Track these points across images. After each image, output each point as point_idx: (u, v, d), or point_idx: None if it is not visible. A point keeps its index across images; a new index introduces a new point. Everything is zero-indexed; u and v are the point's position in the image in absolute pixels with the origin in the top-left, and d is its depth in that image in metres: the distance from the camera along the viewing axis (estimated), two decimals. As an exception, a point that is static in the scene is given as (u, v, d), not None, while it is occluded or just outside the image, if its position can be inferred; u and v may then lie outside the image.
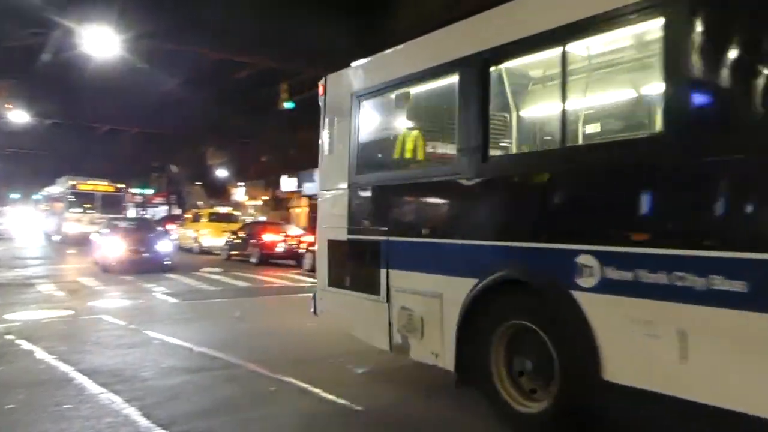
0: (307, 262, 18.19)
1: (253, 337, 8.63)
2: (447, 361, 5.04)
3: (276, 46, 18.19)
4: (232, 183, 43.56)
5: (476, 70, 4.83)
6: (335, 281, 6.54)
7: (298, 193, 35.52)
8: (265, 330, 9.29)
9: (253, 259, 21.26)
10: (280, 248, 20.83)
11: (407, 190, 5.80)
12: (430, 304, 5.21)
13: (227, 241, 23.69)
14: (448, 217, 5.36)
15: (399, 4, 17.18)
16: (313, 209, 34.84)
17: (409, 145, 5.90)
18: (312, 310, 6.97)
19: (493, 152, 5.00)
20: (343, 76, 6.65)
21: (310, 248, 18.05)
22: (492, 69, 4.85)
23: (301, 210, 35.92)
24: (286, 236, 21.23)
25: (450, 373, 5.03)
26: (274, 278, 16.94)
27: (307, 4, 16.52)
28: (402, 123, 6.05)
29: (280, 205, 38.34)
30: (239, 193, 43.24)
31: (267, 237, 21.24)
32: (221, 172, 43.58)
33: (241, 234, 22.89)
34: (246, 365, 6.84)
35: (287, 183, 36.24)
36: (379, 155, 6.59)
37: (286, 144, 33.68)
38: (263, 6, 16.64)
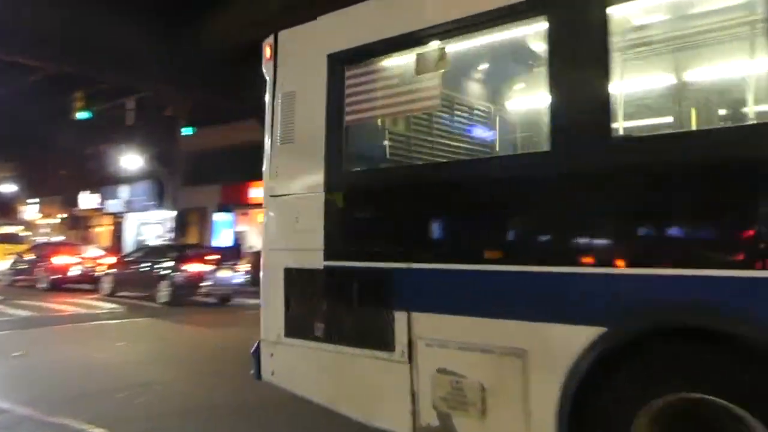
0: (105, 287, 16.64)
1: (31, 375, 7.50)
2: None
3: (71, 49, 16.47)
4: (21, 199, 38.91)
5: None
6: (300, 330, 4.28)
7: (99, 211, 32.58)
8: (48, 365, 8.15)
9: (42, 285, 18.91)
10: (74, 271, 18.79)
11: (447, 190, 3.72)
12: (501, 367, 3.30)
13: (11, 265, 20.95)
14: (538, 231, 3.35)
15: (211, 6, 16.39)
16: (118, 228, 32.38)
17: (444, 126, 4.49)
18: (254, 371, 4.59)
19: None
20: (311, 32, 4.54)
21: (110, 270, 16.51)
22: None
23: (103, 229, 33.00)
24: (83, 258, 19.27)
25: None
26: (65, 305, 15.19)
27: (106, 2, 15.13)
28: (427, 93, 3.89)
29: (78, 224, 34.91)
30: (30, 211, 38.70)
31: (59, 260, 19.07)
32: (8, 187, 38.74)
33: (29, 257, 20.37)
34: (15, 409, 5.86)
35: (87, 200, 33.05)
36: (386, 142, 4.70)
37: (85, 157, 30.81)
38: (54, 3, 14.98)
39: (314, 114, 4.30)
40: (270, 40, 4.70)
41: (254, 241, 25.95)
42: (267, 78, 4.71)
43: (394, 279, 3.77)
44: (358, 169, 4.38)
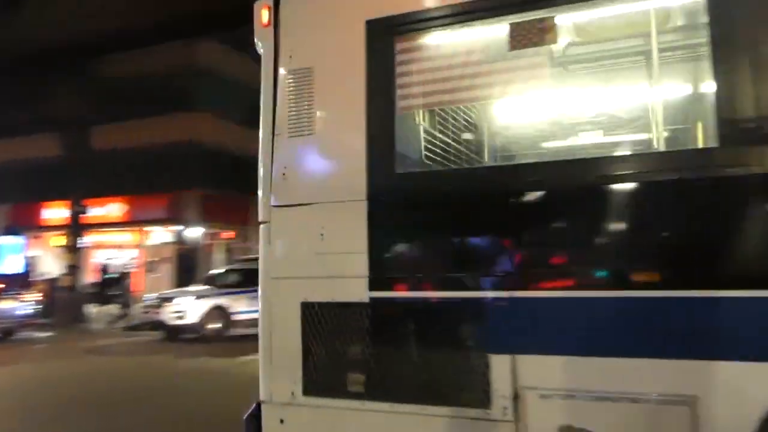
0: None
1: None
2: None
3: None
4: None
5: None
6: (328, 385, 3.17)
7: None
8: None
9: None
10: None
11: (567, 194, 2.86)
12: (660, 419, 2.58)
13: None
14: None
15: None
16: None
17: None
18: None
19: None
20: None
21: None
22: None
23: None
24: None
25: None
26: None
27: None
28: (524, 74, 3.02)
29: None
30: None
31: None
32: None
33: None
34: None
35: None
36: (471, 136, 3.70)
37: None
38: None
39: (346, 98, 3.28)
40: (267, 0, 3.49)
41: (49, 266, 23.55)
42: (262, 51, 3.54)
43: (490, 312, 2.85)
44: (418, 170, 3.43)
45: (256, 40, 3.60)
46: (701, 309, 2.53)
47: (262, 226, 3.44)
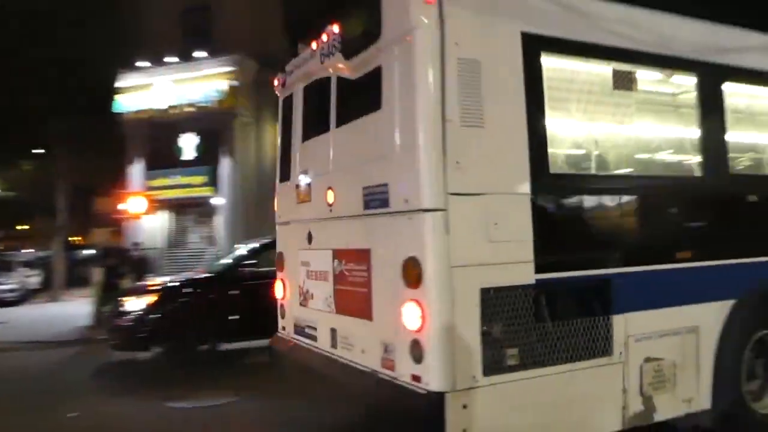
0: None
1: None
2: (702, 401, 4.25)
3: None
4: None
5: None
6: (505, 363, 3.44)
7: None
8: None
9: None
10: None
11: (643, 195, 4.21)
12: (685, 343, 4.19)
13: None
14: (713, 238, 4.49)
15: None
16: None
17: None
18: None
19: None
20: None
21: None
22: None
23: None
24: None
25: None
26: None
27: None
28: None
29: None
30: None
31: None
32: None
33: None
34: None
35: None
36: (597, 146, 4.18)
37: None
38: None
39: (509, 99, 3.62)
40: None
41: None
42: (418, 29, 3.44)
43: (614, 285, 3.88)
44: (572, 172, 4.10)
45: (411, 15, 3.45)
46: (699, 274, 4.27)
47: (430, 213, 3.36)
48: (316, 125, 4.82)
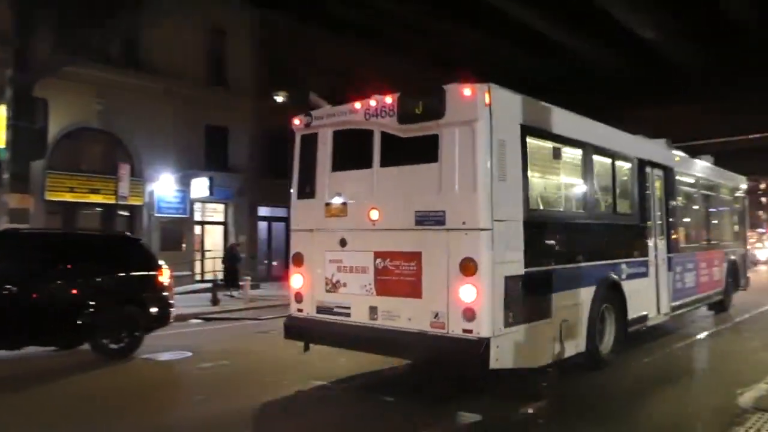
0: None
1: None
2: (581, 346, 7.10)
3: None
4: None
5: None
6: (513, 319, 5.96)
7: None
8: None
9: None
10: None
11: (569, 226, 7.29)
12: (577, 311, 7.06)
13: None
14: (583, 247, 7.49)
15: None
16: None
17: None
18: (484, 363, 5.68)
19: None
20: (510, 100, 6.37)
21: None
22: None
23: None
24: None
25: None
26: None
27: None
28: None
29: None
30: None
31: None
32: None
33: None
34: None
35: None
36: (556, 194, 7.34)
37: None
38: None
39: (516, 164, 6.21)
40: (485, 88, 5.90)
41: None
42: (478, 117, 5.84)
43: (553, 276, 6.72)
44: (539, 208, 6.76)
45: (473, 111, 5.87)
46: (583, 271, 7.29)
47: (484, 231, 5.81)
48: (350, 162, 6.88)
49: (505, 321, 5.79)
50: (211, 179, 20.82)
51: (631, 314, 8.19)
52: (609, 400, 6.59)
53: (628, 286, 8.11)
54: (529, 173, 6.40)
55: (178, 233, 21.17)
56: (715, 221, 12.57)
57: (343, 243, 6.70)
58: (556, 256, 6.77)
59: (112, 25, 15.88)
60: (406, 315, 6.16)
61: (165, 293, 9.65)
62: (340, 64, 25.83)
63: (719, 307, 12.40)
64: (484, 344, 5.59)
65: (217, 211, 23.27)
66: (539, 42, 26.19)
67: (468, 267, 5.72)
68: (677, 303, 9.83)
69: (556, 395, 6.63)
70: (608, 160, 8.17)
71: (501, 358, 5.73)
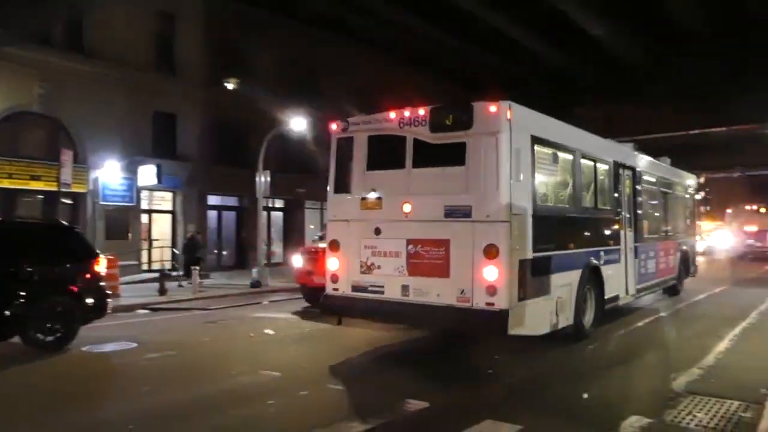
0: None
1: None
2: (570, 320, 8.43)
3: None
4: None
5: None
6: (523, 295, 7.25)
7: None
8: None
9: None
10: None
11: (563, 219, 8.67)
12: (568, 290, 8.38)
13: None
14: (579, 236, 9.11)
15: None
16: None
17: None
18: (503, 329, 7.03)
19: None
20: (523, 115, 7.59)
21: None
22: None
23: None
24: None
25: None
26: None
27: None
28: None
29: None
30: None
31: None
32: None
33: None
34: None
35: None
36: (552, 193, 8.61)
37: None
38: None
39: (527, 167, 7.55)
40: (507, 105, 7.21)
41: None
42: (502, 132, 7.17)
43: (552, 260, 7.96)
44: (543, 204, 8.00)
45: (497, 124, 7.21)
46: (573, 256, 8.75)
47: (505, 223, 7.13)
48: (384, 162, 8.09)
49: (518, 296, 7.11)
50: (158, 167, 20.32)
51: (607, 294, 9.61)
52: (557, 384, 6.87)
53: (605, 271, 9.49)
54: (536, 175, 7.76)
55: (125, 222, 20.64)
56: (671, 215, 13.95)
57: (377, 232, 7.88)
58: (554, 244, 8.06)
59: (53, 5, 15.32)
60: (435, 292, 7.39)
61: (102, 283, 9.38)
62: (294, 51, 25.60)
63: (672, 291, 14.00)
64: (504, 314, 6.94)
65: (165, 200, 22.78)
66: (498, 40, 26.55)
67: (491, 252, 7.03)
68: (641, 286, 11.37)
69: (504, 381, 6.84)
70: (591, 163, 9.62)
71: (515, 325, 7.05)
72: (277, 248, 27.16)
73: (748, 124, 29.16)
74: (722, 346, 8.51)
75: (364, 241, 7.97)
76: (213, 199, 24.23)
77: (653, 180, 12.80)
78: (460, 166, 7.36)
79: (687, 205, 15.68)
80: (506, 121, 7.15)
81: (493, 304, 7.00)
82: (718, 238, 34.96)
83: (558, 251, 8.11)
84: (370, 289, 7.92)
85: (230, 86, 19.89)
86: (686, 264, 14.86)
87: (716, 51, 25.60)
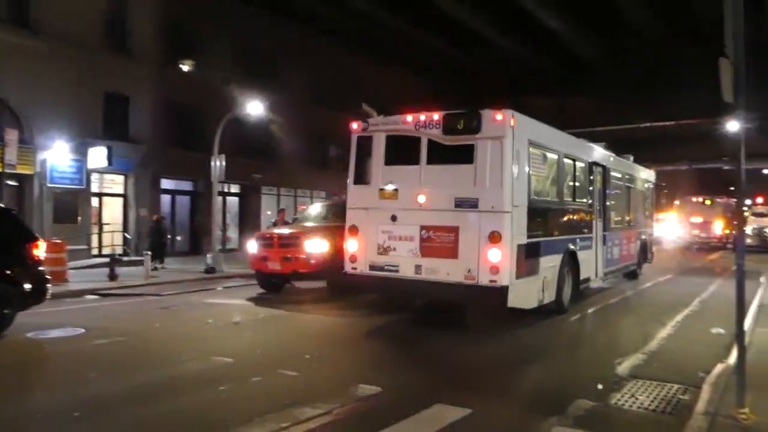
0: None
1: None
2: (553, 296, 9.78)
3: None
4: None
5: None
6: (519, 274, 8.52)
7: None
8: None
9: None
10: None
11: (549, 210, 9.93)
12: (552, 271, 9.73)
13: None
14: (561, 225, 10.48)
15: None
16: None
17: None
18: (504, 303, 8.36)
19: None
20: (522, 121, 8.90)
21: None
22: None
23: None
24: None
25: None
26: None
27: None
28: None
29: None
30: None
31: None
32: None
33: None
34: None
35: None
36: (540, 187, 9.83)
37: None
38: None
39: (524, 165, 8.84)
40: (511, 114, 8.52)
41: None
42: (506, 135, 8.43)
43: (540, 245, 9.31)
44: (535, 197, 9.27)
45: (502, 130, 8.49)
46: (556, 242, 10.13)
47: (507, 213, 8.36)
48: (400, 159, 9.25)
49: (516, 275, 8.40)
50: (109, 149, 19.76)
51: (582, 276, 11.09)
52: (508, 368, 7.04)
53: (580, 255, 10.96)
54: (531, 173, 9.04)
55: (74, 205, 20.05)
56: (633, 207, 15.55)
57: (393, 218, 8.98)
58: (543, 232, 9.42)
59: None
60: (445, 271, 8.58)
61: (41, 267, 9.03)
62: (252, 35, 25.19)
63: (632, 275, 15.68)
64: (505, 290, 8.22)
65: (116, 183, 22.20)
66: (457, 31, 26.66)
67: (495, 237, 8.27)
68: (608, 270, 12.90)
69: (457, 365, 6.93)
70: (572, 162, 11.11)
71: (513, 300, 8.36)
72: (233, 234, 26.85)
73: (697, 119, 30.09)
74: (665, 332, 8.85)
75: (381, 226, 9.04)
76: (166, 183, 23.76)
77: (619, 176, 14.31)
78: (469, 164, 8.55)
79: (646, 197, 17.21)
80: (510, 128, 8.44)
81: (495, 282, 8.22)
82: (666, 229, 36.06)
83: (546, 238, 9.48)
84: (386, 268, 9.00)
85: (185, 68, 19.49)
86: (645, 251, 16.61)
87: (664, 48, 26.29)
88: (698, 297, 12.51)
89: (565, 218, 10.66)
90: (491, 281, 8.22)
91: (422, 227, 8.76)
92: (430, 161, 8.95)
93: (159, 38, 22.25)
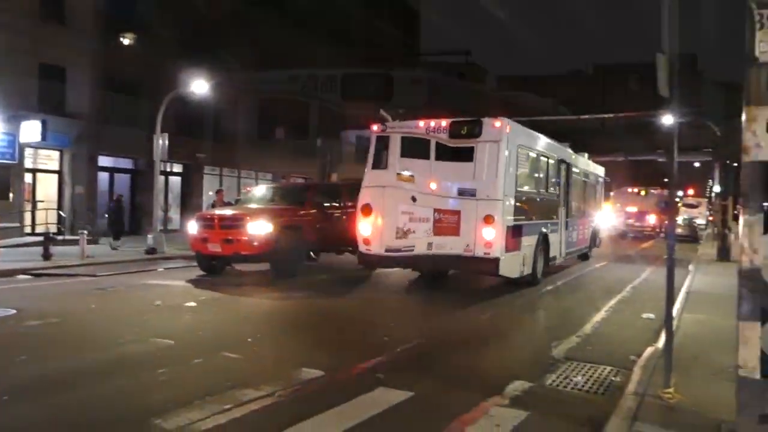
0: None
1: None
2: (529, 269, 11.81)
3: None
4: None
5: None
6: (507, 249, 10.73)
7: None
8: None
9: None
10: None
11: (530, 199, 12.21)
12: (530, 249, 11.88)
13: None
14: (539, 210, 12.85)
15: None
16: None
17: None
18: (496, 272, 10.80)
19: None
20: (514, 128, 11.44)
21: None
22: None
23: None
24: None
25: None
26: None
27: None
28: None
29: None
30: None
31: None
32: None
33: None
34: None
35: None
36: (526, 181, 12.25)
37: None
38: None
39: (514, 164, 11.15)
40: (507, 121, 11.03)
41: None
42: (500, 139, 10.80)
43: (523, 227, 11.55)
44: (520, 188, 11.58)
45: (499, 135, 10.88)
46: (535, 225, 12.49)
47: (499, 200, 10.70)
48: (413, 154, 11.08)
49: (504, 249, 10.60)
50: (44, 123, 18.92)
51: (551, 255, 13.30)
52: (450, 351, 7.14)
53: (551, 237, 13.18)
54: (518, 169, 11.37)
55: (5, 181, 19.14)
56: (587, 197, 18.27)
57: (414, 199, 9.68)
58: (524, 216, 11.62)
59: None
60: (449, 246, 10.42)
61: None
62: (196, 10, 24.46)
63: (585, 257, 18.23)
64: (496, 261, 10.51)
65: (51, 159, 21.30)
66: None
67: (489, 219, 10.48)
68: (568, 251, 15.33)
69: (399, 349, 7.02)
70: (546, 159, 13.53)
71: (503, 269, 10.65)
72: (175, 214, 26.25)
73: (635, 112, 31.25)
74: (599, 316, 9.20)
75: (401, 206, 9.49)
76: (105, 161, 22.96)
77: (578, 171, 16.89)
78: (470, 162, 10.82)
79: (597, 189, 19.97)
80: (505, 133, 10.86)
81: (489, 254, 10.47)
82: (602, 218, 37.31)
83: (527, 221, 11.72)
84: (403, 250, 9.65)
85: (126, 41, 18.78)
86: (594, 237, 19.50)
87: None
88: (631, 284, 13.07)
89: (541, 206, 12.88)
90: (485, 254, 10.42)
91: (435, 210, 10.08)
92: (438, 158, 11.03)
93: (98, 9, 21.34)
